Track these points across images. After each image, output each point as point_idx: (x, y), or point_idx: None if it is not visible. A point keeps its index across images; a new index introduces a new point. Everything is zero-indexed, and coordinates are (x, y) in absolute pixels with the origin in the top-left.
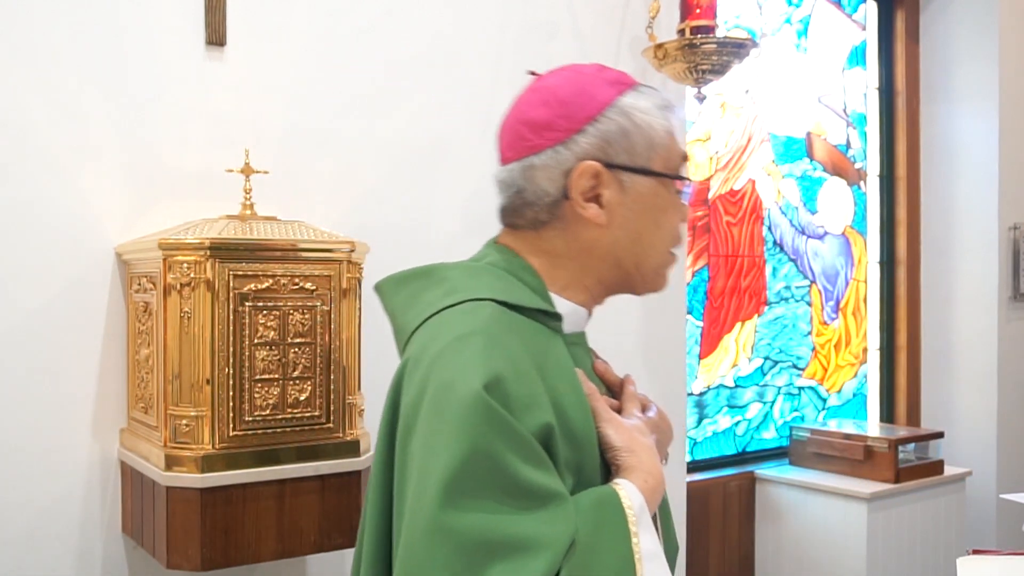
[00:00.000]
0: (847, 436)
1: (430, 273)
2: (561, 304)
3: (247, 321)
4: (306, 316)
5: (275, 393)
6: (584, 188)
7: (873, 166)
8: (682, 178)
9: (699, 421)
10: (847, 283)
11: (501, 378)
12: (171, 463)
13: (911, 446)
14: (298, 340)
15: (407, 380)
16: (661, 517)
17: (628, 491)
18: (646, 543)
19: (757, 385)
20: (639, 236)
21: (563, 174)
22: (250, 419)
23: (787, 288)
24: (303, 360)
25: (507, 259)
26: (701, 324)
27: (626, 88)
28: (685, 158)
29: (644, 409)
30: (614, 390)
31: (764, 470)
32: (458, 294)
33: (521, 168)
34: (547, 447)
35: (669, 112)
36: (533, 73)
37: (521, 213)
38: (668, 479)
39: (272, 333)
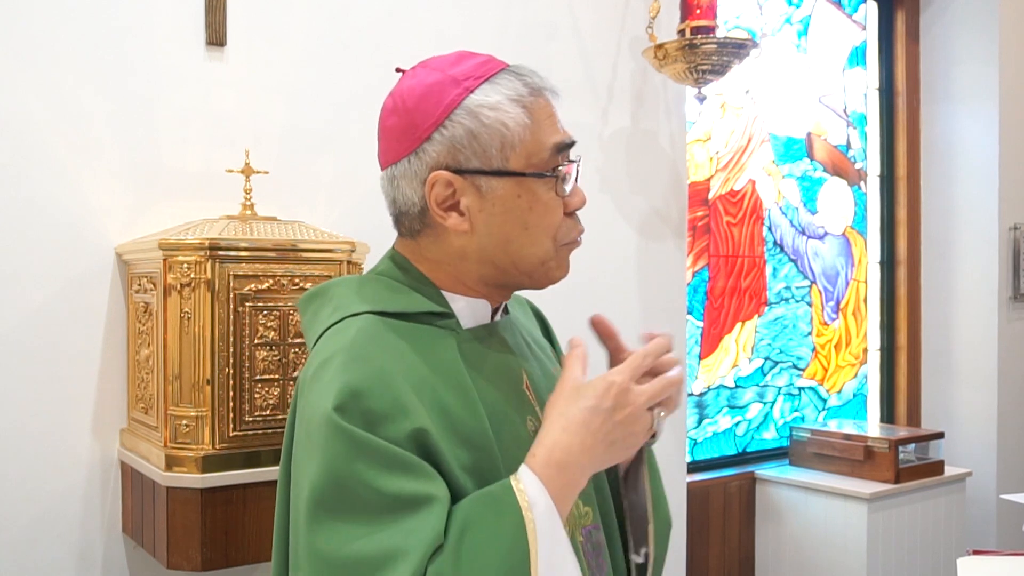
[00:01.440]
0: (847, 436)
1: (324, 291)
2: (456, 301)
3: (247, 321)
4: None
5: (275, 393)
6: (440, 198)
7: (873, 166)
8: (539, 174)
9: (699, 421)
10: (847, 283)
11: (356, 393)
12: (171, 463)
13: (911, 446)
14: (298, 340)
15: (295, 404)
16: (652, 486)
17: (526, 483)
18: (550, 559)
19: (757, 385)
20: (507, 239)
21: (420, 184)
22: (250, 419)
23: (787, 288)
24: (303, 360)
25: (397, 266)
26: (701, 324)
27: (477, 82)
28: (560, 145)
29: (642, 374)
30: (606, 344)
31: (764, 470)
32: (339, 312)
33: (388, 178)
34: (425, 451)
35: (535, 97)
36: (399, 70)
37: (400, 221)
38: (668, 479)
39: (272, 333)
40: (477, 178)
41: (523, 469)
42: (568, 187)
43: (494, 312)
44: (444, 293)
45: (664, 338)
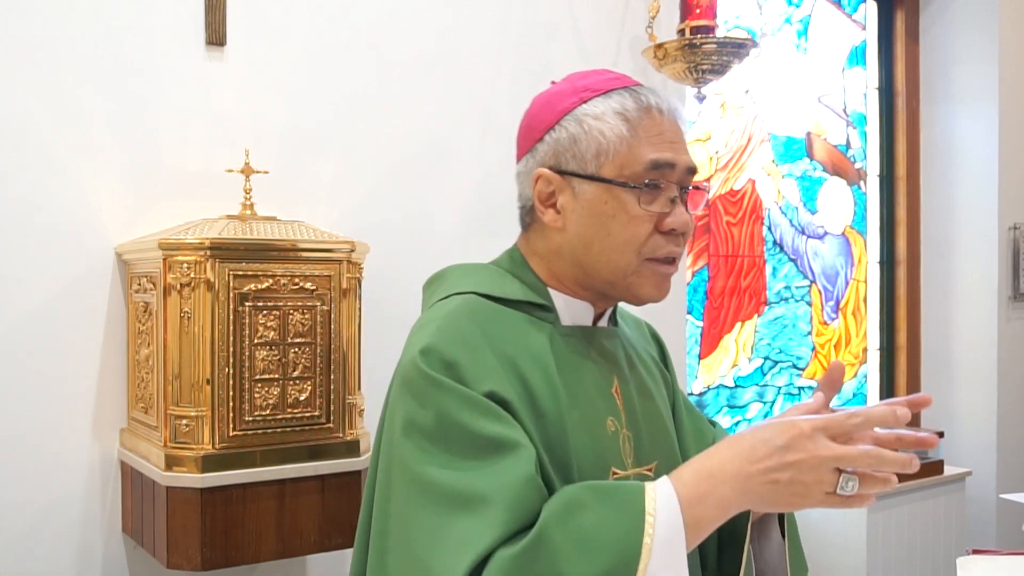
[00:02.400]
0: None
1: (442, 274)
2: (558, 298)
3: (247, 321)
4: (306, 316)
5: (275, 393)
6: (542, 194)
7: (873, 166)
8: (626, 184)
9: None
10: (847, 283)
11: (442, 350)
12: (171, 463)
13: None
14: (298, 340)
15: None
16: (789, 538)
17: (659, 494)
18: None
19: (757, 385)
20: (590, 242)
21: (531, 180)
22: (250, 419)
23: (787, 288)
24: (303, 360)
25: (509, 257)
26: (701, 324)
27: (593, 94)
28: (659, 162)
29: (835, 436)
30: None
31: None
32: (448, 290)
33: (516, 175)
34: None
35: (642, 114)
36: (553, 82)
37: (520, 215)
38: None
39: (272, 333)
40: (573, 180)
41: (665, 479)
42: (662, 205)
43: (598, 318)
44: (550, 289)
45: (895, 408)
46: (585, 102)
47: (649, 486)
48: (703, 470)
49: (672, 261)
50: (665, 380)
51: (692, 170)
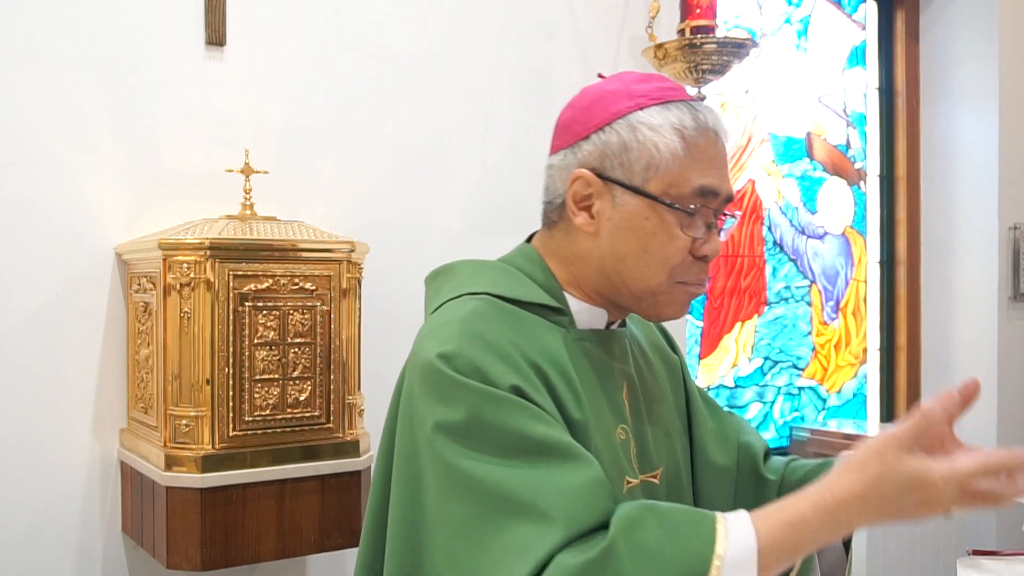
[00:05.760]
0: (847, 436)
1: (449, 269)
2: (573, 302)
3: (247, 321)
4: (306, 316)
5: (275, 393)
6: (578, 195)
7: (873, 166)
8: (672, 205)
9: None
10: (847, 283)
11: (460, 352)
12: (171, 463)
13: None
14: (298, 340)
15: (400, 382)
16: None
17: (736, 529)
18: None
19: (757, 385)
20: (624, 256)
21: (568, 177)
22: (250, 419)
23: (787, 288)
24: (303, 360)
25: (522, 255)
26: (701, 324)
27: (651, 102)
28: (707, 189)
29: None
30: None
31: None
32: (459, 289)
33: (547, 166)
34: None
35: (700, 134)
36: (600, 76)
37: (544, 211)
38: None
39: (272, 333)
40: (615, 188)
41: (743, 515)
42: (699, 231)
43: (609, 324)
44: (565, 293)
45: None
46: (642, 108)
47: (723, 523)
48: (798, 519)
49: (700, 284)
50: (673, 370)
51: (731, 199)
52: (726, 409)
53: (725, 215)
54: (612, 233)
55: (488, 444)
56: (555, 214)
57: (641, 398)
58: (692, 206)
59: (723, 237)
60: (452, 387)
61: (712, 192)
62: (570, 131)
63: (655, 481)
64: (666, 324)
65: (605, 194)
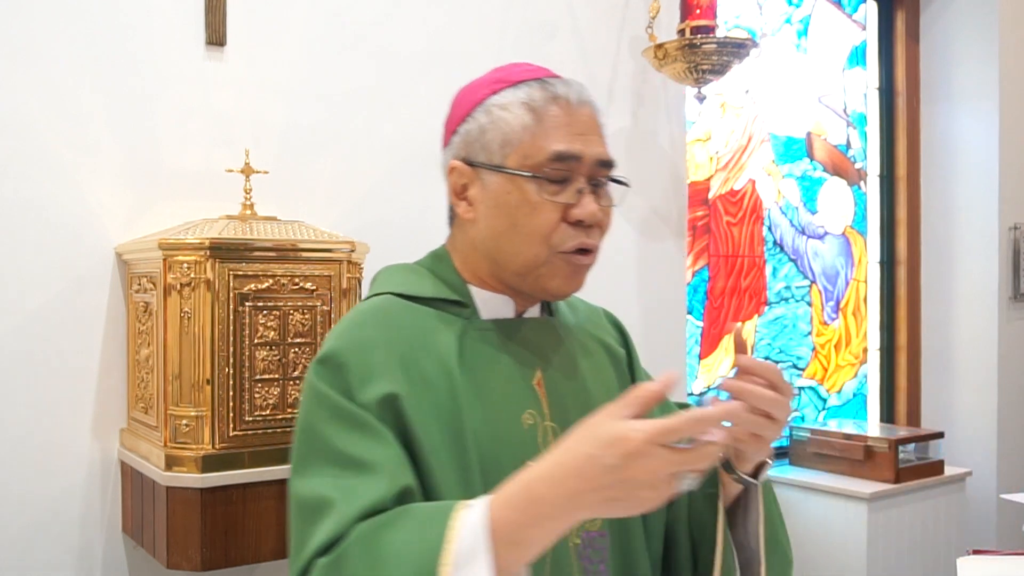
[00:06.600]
0: (847, 436)
1: (376, 274)
2: (477, 293)
3: (247, 321)
4: (306, 316)
5: (275, 393)
6: (456, 186)
7: (873, 166)
8: (527, 174)
9: None
10: (847, 283)
11: (336, 354)
12: (171, 463)
13: (911, 446)
14: (298, 340)
15: None
16: (766, 527)
17: (467, 518)
18: None
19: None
20: (499, 234)
21: (447, 173)
22: (250, 419)
23: (787, 288)
24: (303, 360)
25: (432, 255)
26: (701, 324)
27: (504, 85)
28: (562, 154)
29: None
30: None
31: None
32: (373, 290)
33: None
34: (395, 415)
35: (549, 104)
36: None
37: (448, 211)
38: None
39: (272, 333)
40: (482, 171)
41: (482, 502)
42: (565, 196)
43: (524, 310)
44: (469, 285)
45: (717, 409)
46: (495, 93)
47: (461, 512)
48: (529, 494)
49: (585, 252)
50: (618, 363)
51: (605, 163)
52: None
53: (603, 180)
54: (485, 215)
55: (313, 453)
56: (450, 211)
57: (565, 384)
58: (547, 170)
59: (614, 203)
60: (307, 392)
61: (570, 156)
62: (446, 129)
63: None
64: (628, 330)
65: (476, 180)
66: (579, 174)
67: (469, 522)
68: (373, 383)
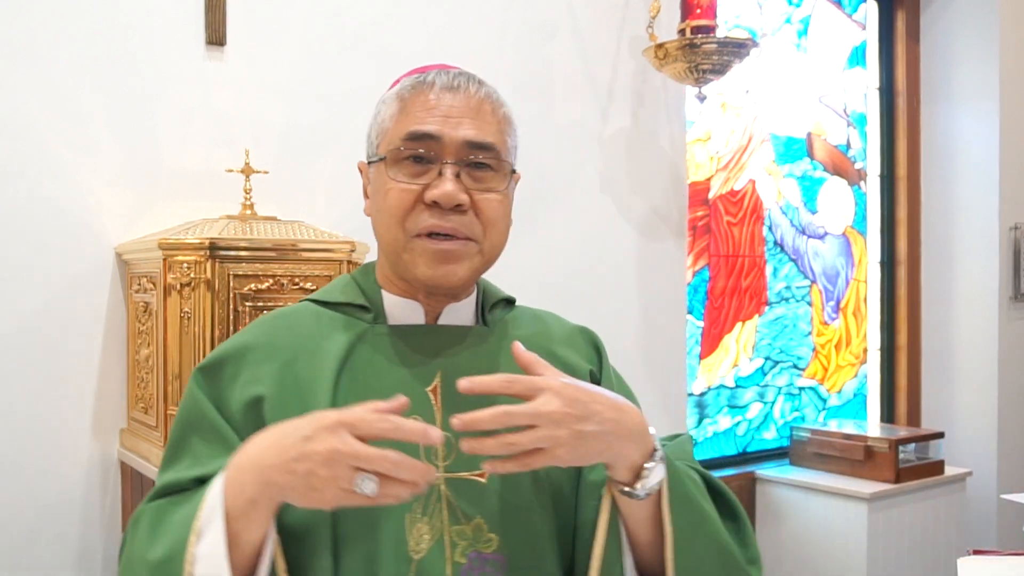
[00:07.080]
0: (847, 436)
1: None
2: (387, 298)
3: (247, 321)
4: None
5: None
6: (363, 186)
7: (873, 166)
8: (382, 159)
9: (699, 421)
10: (847, 283)
11: (216, 358)
12: None
13: (911, 446)
14: None
15: None
16: (675, 554)
17: (214, 486)
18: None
19: (758, 385)
20: (375, 224)
21: None
22: None
23: (787, 288)
24: None
25: (370, 262)
26: (701, 324)
27: (394, 85)
28: (416, 133)
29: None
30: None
31: (765, 470)
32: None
33: None
34: (257, 418)
35: (417, 92)
36: None
37: None
38: None
39: None
40: (370, 167)
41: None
42: (424, 179)
43: (438, 316)
44: (383, 291)
45: (428, 430)
46: (388, 90)
47: (215, 481)
48: (242, 462)
49: (442, 237)
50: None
51: (474, 144)
52: (681, 435)
53: (486, 164)
54: (371, 209)
55: (178, 454)
56: None
57: (473, 396)
58: (401, 150)
59: (497, 188)
60: (184, 395)
61: (424, 135)
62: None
63: (480, 480)
64: (606, 350)
65: (368, 177)
66: (443, 157)
67: (213, 491)
68: (242, 388)
